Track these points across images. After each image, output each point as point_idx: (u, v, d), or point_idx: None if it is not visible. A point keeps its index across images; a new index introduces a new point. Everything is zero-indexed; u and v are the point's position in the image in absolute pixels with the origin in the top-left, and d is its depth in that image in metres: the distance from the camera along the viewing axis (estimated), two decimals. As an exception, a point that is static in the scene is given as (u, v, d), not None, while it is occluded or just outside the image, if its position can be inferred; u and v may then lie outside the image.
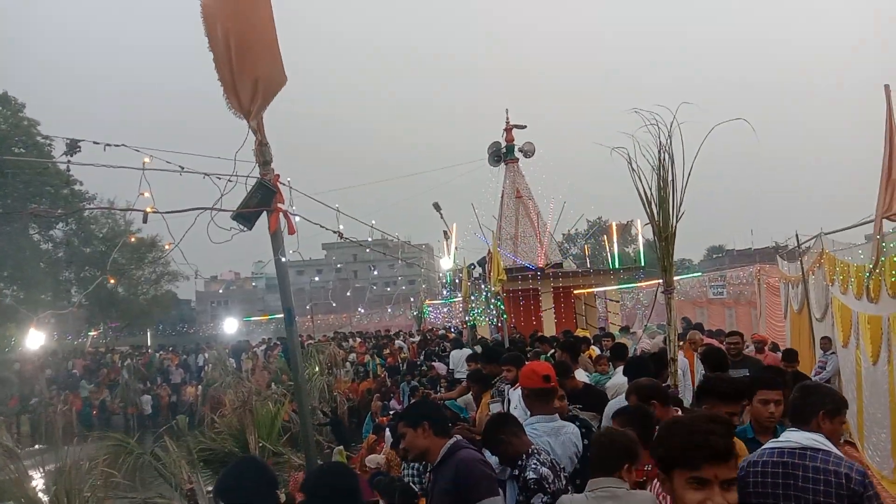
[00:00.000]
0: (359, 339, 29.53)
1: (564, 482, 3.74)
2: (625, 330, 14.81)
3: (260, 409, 10.50)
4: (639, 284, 22.99)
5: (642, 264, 22.51)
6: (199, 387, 25.62)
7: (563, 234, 23.95)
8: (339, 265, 69.46)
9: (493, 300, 12.95)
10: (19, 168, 22.88)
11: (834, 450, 2.89)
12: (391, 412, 13.18)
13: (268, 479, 3.21)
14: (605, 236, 24.36)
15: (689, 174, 4.64)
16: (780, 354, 9.24)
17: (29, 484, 7.03)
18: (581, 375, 6.78)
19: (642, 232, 21.29)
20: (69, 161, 3.21)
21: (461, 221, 23.39)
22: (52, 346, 31.43)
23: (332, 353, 21.73)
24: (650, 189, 4.70)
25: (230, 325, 41.98)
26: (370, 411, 14.80)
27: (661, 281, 4.86)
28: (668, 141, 4.57)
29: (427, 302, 35.31)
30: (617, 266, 22.71)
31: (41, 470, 8.34)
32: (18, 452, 7.26)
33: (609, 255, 23.19)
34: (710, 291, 21.26)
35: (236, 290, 78.69)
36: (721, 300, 20.72)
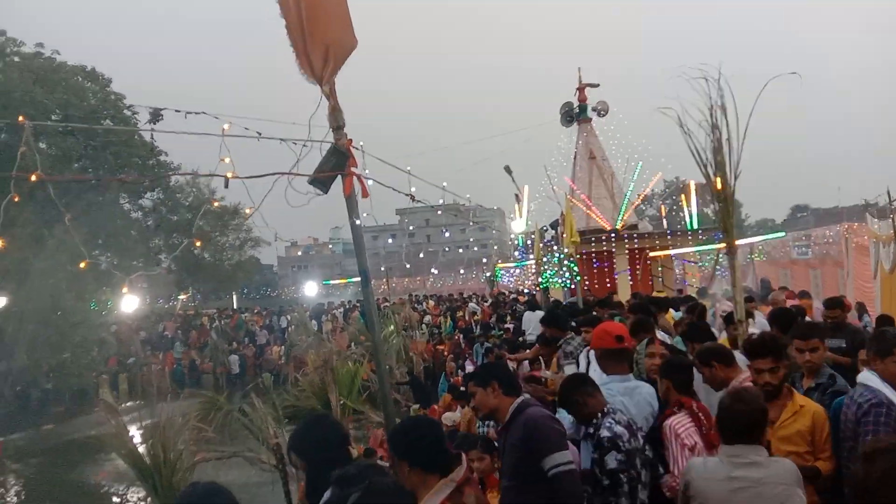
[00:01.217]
0: (432, 302, 29.94)
1: (641, 441, 3.74)
2: (703, 292, 14.42)
3: (340, 368, 10.81)
4: (718, 245, 22.23)
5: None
6: (283, 347, 26.63)
7: (639, 195, 23.28)
8: (411, 227, 70.01)
9: (566, 262, 12.84)
10: (109, 141, 23.97)
11: None
12: (465, 373, 13.37)
13: (338, 434, 3.34)
14: (683, 196, 23.61)
15: (746, 131, 4.44)
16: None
17: (128, 437, 7.48)
18: (660, 337, 6.68)
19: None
20: (153, 129, 3.37)
21: (533, 184, 23.15)
22: (145, 310, 33.18)
23: (408, 316, 22.14)
24: (705, 149, 4.53)
25: (310, 289, 43.27)
26: (445, 372, 15.06)
27: (738, 242, 4.71)
28: (721, 99, 4.39)
29: (499, 265, 35.29)
30: (695, 227, 22.04)
31: (139, 424, 8.87)
32: (118, 408, 7.72)
33: (687, 215, 22.51)
34: (794, 252, 20.41)
35: (315, 254, 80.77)
36: (805, 261, 19.86)
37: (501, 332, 15.10)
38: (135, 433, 8.37)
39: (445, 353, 16.93)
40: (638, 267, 20.64)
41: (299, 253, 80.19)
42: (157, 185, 28.20)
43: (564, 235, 11.85)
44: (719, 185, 4.55)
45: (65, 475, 13.84)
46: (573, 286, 12.84)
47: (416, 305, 27.59)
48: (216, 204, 22.84)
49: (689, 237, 21.44)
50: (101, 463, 13.76)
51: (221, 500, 2.44)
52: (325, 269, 69.67)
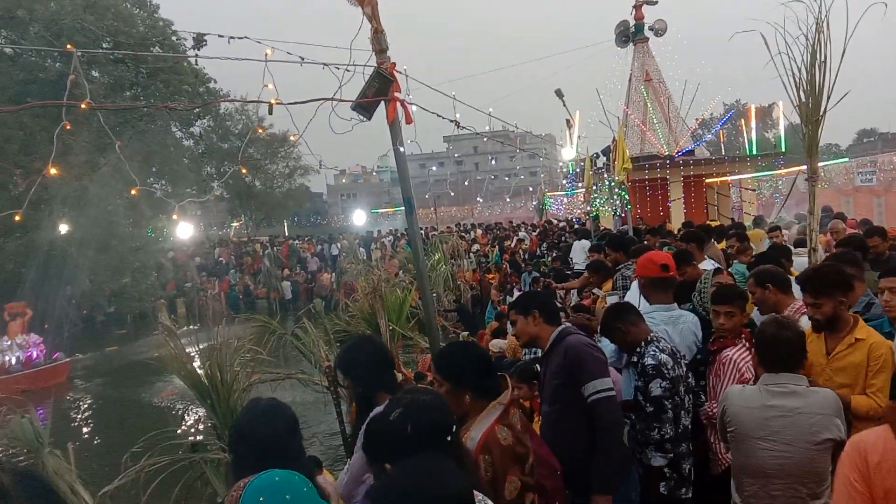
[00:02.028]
0: (480, 231, 29.90)
1: (684, 369, 3.72)
2: (758, 220, 14.00)
3: (389, 295, 10.91)
4: (777, 172, 21.45)
5: (783, 150, 20.92)
6: (334, 274, 27.15)
7: (696, 120, 22.48)
8: (457, 154, 69.33)
9: (617, 190, 12.54)
10: (158, 69, 24.10)
11: None
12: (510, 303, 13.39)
13: (382, 355, 3.40)
14: (743, 120, 22.72)
15: (844, 53, 4.16)
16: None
17: (187, 359, 7.73)
18: (707, 266, 6.52)
19: (785, 115, 19.65)
20: (197, 55, 3.33)
21: (586, 108, 22.52)
22: (200, 237, 34.09)
23: (455, 244, 22.20)
24: (800, 69, 4.26)
25: (359, 217, 43.68)
26: (491, 300, 15.14)
27: (804, 167, 4.49)
28: (825, 17, 4.09)
29: (548, 193, 34.89)
30: (754, 152, 21.26)
31: (197, 347, 9.18)
32: (176, 331, 7.96)
33: (746, 140, 21.70)
34: (858, 178, 19.54)
35: (363, 183, 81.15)
36: (869, 187, 19.01)
37: (549, 260, 15.02)
38: (193, 355, 8.67)
39: (492, 282, 16.96)
40: (693, 194, 20.13)
41: (347, 180, 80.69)
42: (207, 112, 28.41)
43: (616, 162, 11.53)
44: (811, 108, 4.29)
45: (128, 394, 14.59)
46: (624, 214, 12.59)
47: (463, 234, 27.63)
48: (264, 131, 22.97)
49: (748, 163, 20.72)
50: (162, 383, 14.42)
51: (282, 415, 2.52)
52: (373, 197, 70.09)
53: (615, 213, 14.52)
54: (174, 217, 18.97)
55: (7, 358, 15.80)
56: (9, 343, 16.07)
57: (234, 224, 42.04)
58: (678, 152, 20.12)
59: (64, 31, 20.32)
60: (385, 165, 78.54)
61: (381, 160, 78.10)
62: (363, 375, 3.29)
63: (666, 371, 3.53)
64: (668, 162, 19.18)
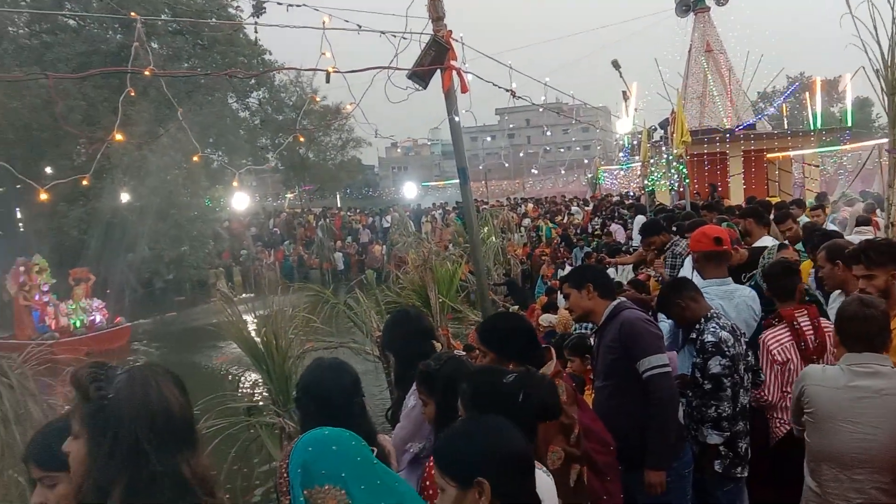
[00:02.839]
0: (531, 205, 29.67)
1: (744, 347, 3.63)
2: (821, 197, 13.49)
3: (439, 268, 10.93)
4: (843, 147, 20.63)
5: (849, 124, 20.08)
6: (385, 246, 27.37)
7: (758, 92, 21.76)
8: (511, 126, 68.54)
9: (675, 164, 12.25)
10: (215, 40, 24.47)
11: None
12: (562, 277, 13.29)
13: (422, 328, 3.47)
14: (807, 94, 21.86)
15: None
16: None
17: (244, 325, 7.92)
18: (767, 242, 6.33)
19: (853, 88, 18.82)
20: (257, 23, 3.35)
21: (642, 80, 21.97)
22: (255, 207, 34.75)
23: (506, 218, 22.10)
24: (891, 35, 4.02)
25: (409, 190, 43.78)
26: (542, 275, 15.06)
27: (881, 141, 4.28)
28: None
29: (602, 167, 34.35)
30: (819, 126, 20.45)
31: (252, 314, 9.39)
32: (233, 299, 8.14)
33: (810, 114, 20.89)
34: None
35: (414, 156, 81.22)
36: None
37: (602, 235, 14.83)
38: (249, 322, 8.88)
39: (543, 257, 16.85)
40: (753, 169, 19.53)
41: (401, 151, 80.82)
42: (263, 84, 28.73)
43: (674, 135, 11.25)
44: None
45: (186, 358, 15.06)
46: (681, 189, 12.31)
47: (514, 208, 27.47)
48: (317, 100, 23.14)
49: (812, 138, 19.96)
50: (219, 349, 14.83)
51: (346, 372, 2.58)
52: (423, 170, 70.12)
53: (671, 187, 14.21)
54: (234, 185, 19.43)
55: (71, 321, 16.47)
56: (73, 307, 16.74)
57: (289, 195, 42.69)
58: (739, 126, 19.51)
59: (125, 3, 20.75)
60: (436, 138, 78.43)
61: (433, 133, 78.01)
62: (401, 348, 3.40)
63: (726, 348, 3.46)
64: (727, 136, 18.62)
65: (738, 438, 3.51)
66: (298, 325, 8.18)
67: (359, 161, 44.06)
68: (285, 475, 1.57)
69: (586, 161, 42.79)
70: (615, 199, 25.62)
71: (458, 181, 3.98)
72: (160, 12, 22.32)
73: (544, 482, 2.11)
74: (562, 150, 60.03)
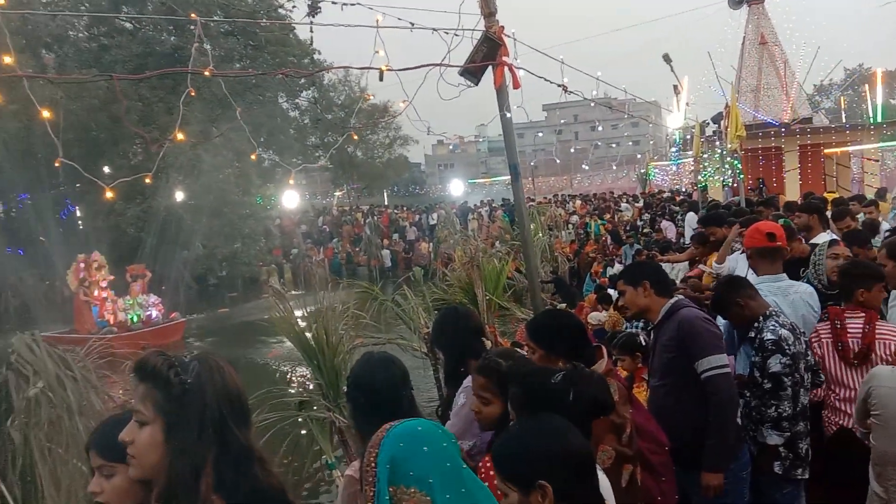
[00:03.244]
0: (580, 202, 29.38)
1: (804, 345, 3.54)
2: (881, 193, 13.02)
3: (486, 265, 10.91)
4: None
5: (913, 117, 19.35)
6: (431, 244, 27.47)
7: (815, 85, 21.12)
8: (561, 123, 67.75)
9: (728, 159, 11.96)
10: (267, 41, 24.88)
11: None
12: (611, 274, 13.13)
13: (469, 325, 3.44)
14: (867, 86, 21.12)
15: None
16: None
17: (295, 321, 8.04)
18: (824, 238, 6.14)
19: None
20: (312, 22, 3.39)
21: (694, 74, 21.52)
22: (305, 205, 35.27)
23: (553, 215, 21.92)
24: None
25: (455, 187, 43.83)
26: (590, 272, 14.90)
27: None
28: None
29: (652, 162, 33.81)
30: (879, 120, 19.74)
31: (304, 310, 9.52)
32: (285, 294, 8.27)
33: (870, 107, 20.18)
34: None
35: (461, 153, 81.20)
36: None
37: (652, 232, 14.60)
38: (299, 318, 9.01)
39: (591, 255, 16.66)
40: (810, 164, 18.96)
41: (449, 147, 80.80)
42: (312, 84, 29.11)
43: (728, 129, 10.99)
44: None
45: (238, 353, 15.35)
46: (735, 185, 12.03)
47: (563, 205, 27.25)
48: (370, 97, 23.35)
49: (872, 132, 19.28)
50: (270, 344, 15.10)
51: (396, 366, 2.60)
52: (469, 167, 70.05)
53: (726, 183, 13.91)
54: (290, 182, 19.84)
55: (129, 316, 16.97)
56: (130, 302, 17.25)
57: (337, 193, 43.21)
58: (794, 120, 18.97)
59: (179, 5, 21.25)
60: (483, 135, 78.24)
61: (479, 129, 77.84)
62: (451, 345, 3.38)
63: (786, 347, 3.37)
64: (783, 130, 18.13)
65: (798, 439, 3.42)
66: (348, 321, 8.27)
67: (406, 159, 44.34)
68: (373, 465, 1.55)
69: (639, 156, 42.07)
70: (666, 195, 25.20)
71: (503, 178, 3.96)
72: (212, 14, 22.81)
73: (602, 481, 2.09)
74: (612, 145, 59.17)
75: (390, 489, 1.51)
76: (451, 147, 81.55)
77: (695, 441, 3.18)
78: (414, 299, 8.99)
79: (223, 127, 19.27)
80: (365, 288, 10.54)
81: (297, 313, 8.83)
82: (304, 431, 6.93)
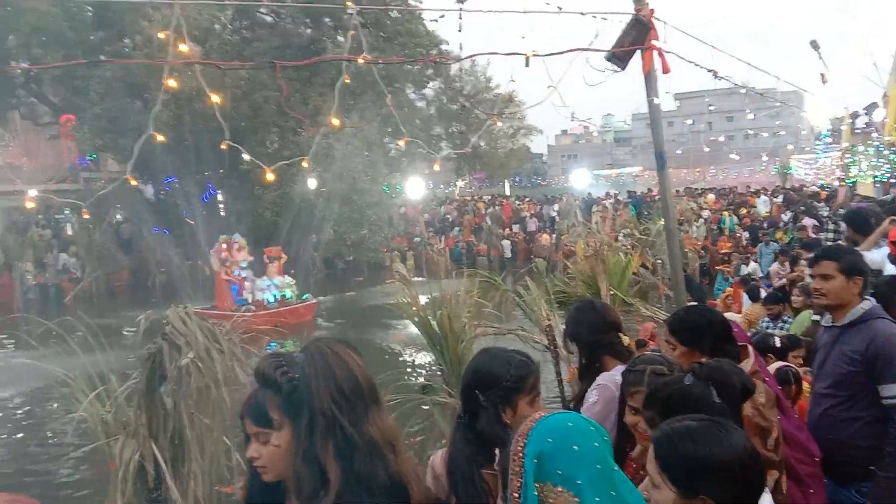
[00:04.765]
0: (712, 196, 28.08)
1: None
2: None
3: (611, 258, 10.65)
4: None
5: None
6: (553, 235, 27.18)
7: None
8: (710, 109, 64.32)
9: (885, 153, 10.98)
10: (397, 33, 25.37)
11: None
12: (745, 273, 12.49)
13: (606, 319, 3.31)
14: None
15: None
16: None
17: (420, 306, 8.19)
18: None
19: None
20: (462, 9, 3.40)
21: (844, 60, 19.87)
22: (428, 194, 35.85)
23: (684, 209, 21.07)
24: None
25: (579, 179, 43.06)
26: (721, 270, 14.25)
27: None
28: None
29: (794, 156, 31.73)
30: None
31: (428, 296, 9.69)
32: (410, 280, 8.43)
33: None
34: None
35: (585, 143, 79.60)
36: None
37: (794, 230, 13.71)
38: (423, 304, 9.17)
39: (724, 252, 15.93)
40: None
41: (573, 137, 79.42)
42: (440, 73, 29.44)
43: (886, 120, 10.08)
44: None
45: (364, 335, 15.87)
46: (893, 180, 11.04)
47: (695, 198, 26.17)
48: (495, 87, 23.39)
49: None
50: (393, 328, 15.51)
51: (518, 356, 2.52)
52: (594, 158, 68.51)
53: (880, 179, 12.79)
54: (435, 167, 20.29)
55: (266, 296, 17.95)
56: (267, 283, 18.23)
57: (459, 183, 43.60)
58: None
59: (315, -1, 22.08)
60: (609, 125, 76.29)
61: (606, 119, 75.97)
62: (587, 340, 3.26)
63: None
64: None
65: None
66: (471, 309, 8.33)
67: (528, 149, 44.00)
68: (521, 455, 1.51)
69: (789, 146, 39.44)
70: (811, 189, 23.60)
71: (630, 169, 3.83)
72: (344, 3, 23.49)
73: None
74: (748, 137, 55.90)
75: (536, 485, 1.47)
76: (575, 137, 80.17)
77: (858, 459, 2.93)
78: (536, 291, 8.91)
79: (353, 118, 19.91)
80: (486, 277, 10.59)
81: (421, 299, 9.00)
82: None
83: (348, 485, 1.62)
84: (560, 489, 1.45)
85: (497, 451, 2.24)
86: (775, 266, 10.65)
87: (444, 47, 26.16)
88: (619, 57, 3.41)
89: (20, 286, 22.77)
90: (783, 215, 18.51)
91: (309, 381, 1.69)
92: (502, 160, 37.06)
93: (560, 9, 3.57)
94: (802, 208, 17.70)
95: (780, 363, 4.29)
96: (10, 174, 24.10)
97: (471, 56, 22.40)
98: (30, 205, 13.09)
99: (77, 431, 5.74)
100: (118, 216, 26.70)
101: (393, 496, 1.68)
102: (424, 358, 11.62)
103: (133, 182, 5.12)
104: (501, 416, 2.35)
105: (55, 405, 10.12)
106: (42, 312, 14.87)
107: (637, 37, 3.32)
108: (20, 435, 10.10)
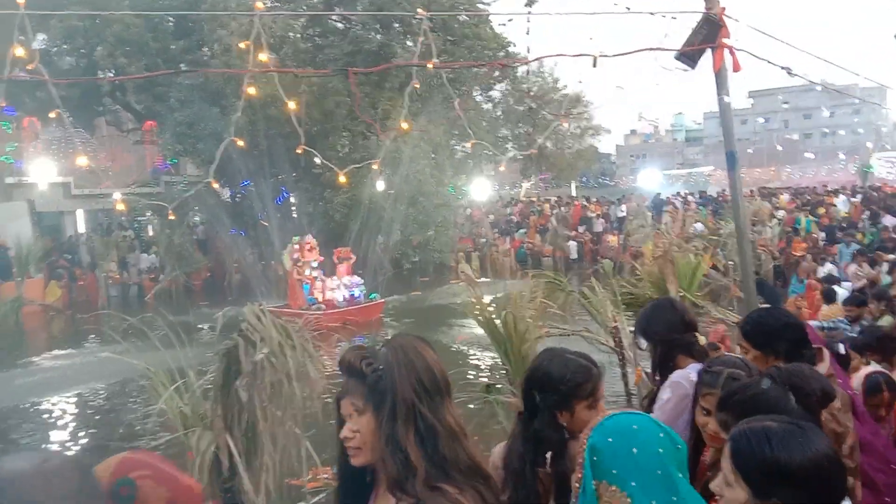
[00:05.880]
0: (787, 196, 27.11)
1: None
2: None
3: (680, 260, 10.47)
4: None
5: None
6: (620, 236, 26.75)
7: None
8: (786, 105, 62.31)
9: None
10: (465, 36, 25.46)
11: None
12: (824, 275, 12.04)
13: (682, 318, 3.27)
14: None
15: None
16: None
17: (485, 306, 8.26)
18: None
19: None
20: (530, 13, 3.45)
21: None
22: (493, 196, 35.84)
23: (757, 209, 20.43)
24: None
25: (647, 179, 42.24)
26: (796, 272, 13.78)
27: None
28: None
29: (875, 155, 30.32)
30: None
31: (494, 297, 9.75)
32: (476, 281, 8.52)
33: None
34: None
35: (654, 143, 78.02)
36: None
37: (874, 230, 13.15)
38: (488, 304, 9.22)
39: (800, 253, 15.38)
40: None
41: (642, 137, 77.98)
42: (507, 75, 29.38)
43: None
44: None
45: (430, 334, 16.00)
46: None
47: (769, 198, 25.33)
48: (562, 87, 23.21)
49: None
50: (458, 328, 15.61)
51: (581, 359, 2.54)
52: (663, 158, 67.10)
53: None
54: (501, 169, 20.41)
55: (336, 295, 18.34)
56: (337, 283, 18.62)
57: (525, 184, 43.39)
58: None
59: (385, 5, 22.40)
60: (680, 124, 74.59)
61: (677, 118, 74.31)
62: (661, 338, 3.23)
63: None
64: None
65: None
66: (535, 310, 8.33)
67: (596, 149, 43.42)
68: (582, 451, 1.54)
69: (869, 145, 37.73)
70: (891, 190, 22.54)
71: (701, 168, 3.78)
72: (415, 10, 23.73)
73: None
74: (826, 136, 53.65)
75: (594, 482, 1.49)
76: (644, 137, 78.71)
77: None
78: (602, 292, 8.83)
79: (420, 121, 20.11)
80: (551, 278, 10.55)
81: (486, 299, 9.05)
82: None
83: (434, 467, 1.74)
84: (614, 489, 1.47)
85: (549, 454, 2.29)
86: (853, 267, 10.28)
87: (511, 49, 26.15)
88: (688, 56, 3.39)
89: (104, 285, 23.95)
90: (862, 215, 17.75)
91: (392, 373, 1.81)
92: (569, 161, 36.67)
93: (629, 9, 3.57)
94: (881, 207, 16.94)
95: (870, 368, 4.15)
96: (98, 178, 25.31)
97: (538, 58, 22.41)
98: (120, 207, 13.80)
99: (157, 422, 6.06)
100: (196, 218, 27.72)
101: (475, 476, 1.79)
102: (488, 358, 11.67)
103: (215, 185, 5.36)
104: (557, 419, 2.39)
105: (137, 398, 10.59)
106: (124, 310, 15.57)
107: (708, 35, 3.29)
108: (105, 424, 10.63)
